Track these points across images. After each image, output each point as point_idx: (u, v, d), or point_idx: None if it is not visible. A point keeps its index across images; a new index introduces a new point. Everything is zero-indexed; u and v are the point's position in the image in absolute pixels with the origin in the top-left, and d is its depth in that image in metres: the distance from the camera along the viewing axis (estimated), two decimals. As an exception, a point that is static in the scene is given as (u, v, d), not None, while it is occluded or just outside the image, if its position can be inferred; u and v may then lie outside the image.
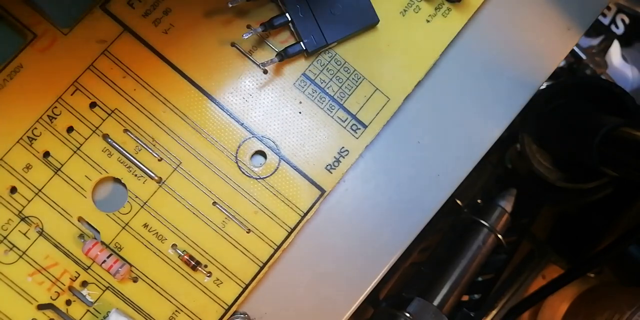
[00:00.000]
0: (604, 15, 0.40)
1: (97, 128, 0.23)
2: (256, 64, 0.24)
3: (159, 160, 0.24)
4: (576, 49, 0.38)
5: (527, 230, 0.37)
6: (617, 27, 0.41)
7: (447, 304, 0.33)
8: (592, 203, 0.35)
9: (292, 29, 0.24)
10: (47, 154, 0.23)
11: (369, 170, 0.26)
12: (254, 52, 0.24)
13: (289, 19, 0.24)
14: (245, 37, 0.23)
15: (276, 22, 0.23)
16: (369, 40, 0.25)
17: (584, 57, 0.38)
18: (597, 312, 0.34)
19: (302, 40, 0.24)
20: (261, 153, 0.25)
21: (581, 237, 0.35)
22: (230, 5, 0.22)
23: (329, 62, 0.25)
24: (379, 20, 0.24)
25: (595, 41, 0.40)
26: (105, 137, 0.23)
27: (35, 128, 0.23)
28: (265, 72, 0.24)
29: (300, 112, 0.25)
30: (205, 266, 0.24)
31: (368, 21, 0.24)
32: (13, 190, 0.23)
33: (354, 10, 0.24)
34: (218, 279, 0.24)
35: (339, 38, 0.24)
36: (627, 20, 0.41)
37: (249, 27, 0.24)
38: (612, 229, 0.34)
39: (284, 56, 0.24)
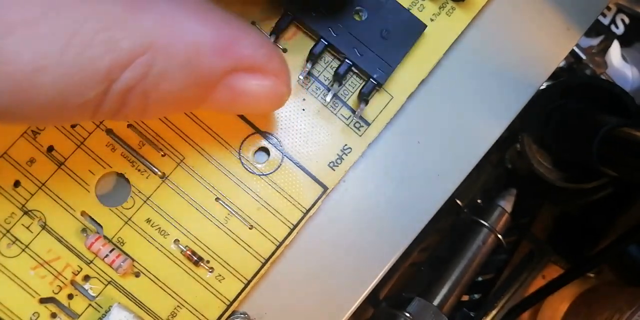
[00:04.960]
0: (604, 15, 0.40)
1: (101, 122, 0.23)
2: (334, 113, 0.25)
3: (162, 155, 0.24)
4: (576, 49, 0.38)
5: (527, 230, 0.37)
6: (617, 27, 0.41)
7: (447, 304, 0.33)
8: (592, 203, 0.35)
9: (357, 71, 0.24)
10: (51, 148, 0.23)
11: (369, 170, 0.26)
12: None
13: (351, 63, 0.24)
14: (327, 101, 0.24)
15: (342, 71, 0.24)
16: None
17: (583, 57, 0.38)
18: (597, 312, 0.34)
19: (371, 77, 0.24)
20: (264, 149, 0.25)
21: (581, 237, 0.35)
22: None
23: (333, 59, 0.25)
24: (426, 26, 0.24)
25: (595, 41, 0.40)
26: (109, 132, 0.23)
27: (40, 122, 0.23)
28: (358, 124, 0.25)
29: (303, 109, 0.25)
30: (208, 262, 0.24)
31: (418, 30, 0.24)
32: (17, 184, 0.23)
33: (401, 25, 0.24)
34: (220, 275, 0.24)
35: (401, 58, 0.24)
36: (627, 21, 0.41)
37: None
38: (612, 229, 0.34)
39: (366, 98, 0.24)
